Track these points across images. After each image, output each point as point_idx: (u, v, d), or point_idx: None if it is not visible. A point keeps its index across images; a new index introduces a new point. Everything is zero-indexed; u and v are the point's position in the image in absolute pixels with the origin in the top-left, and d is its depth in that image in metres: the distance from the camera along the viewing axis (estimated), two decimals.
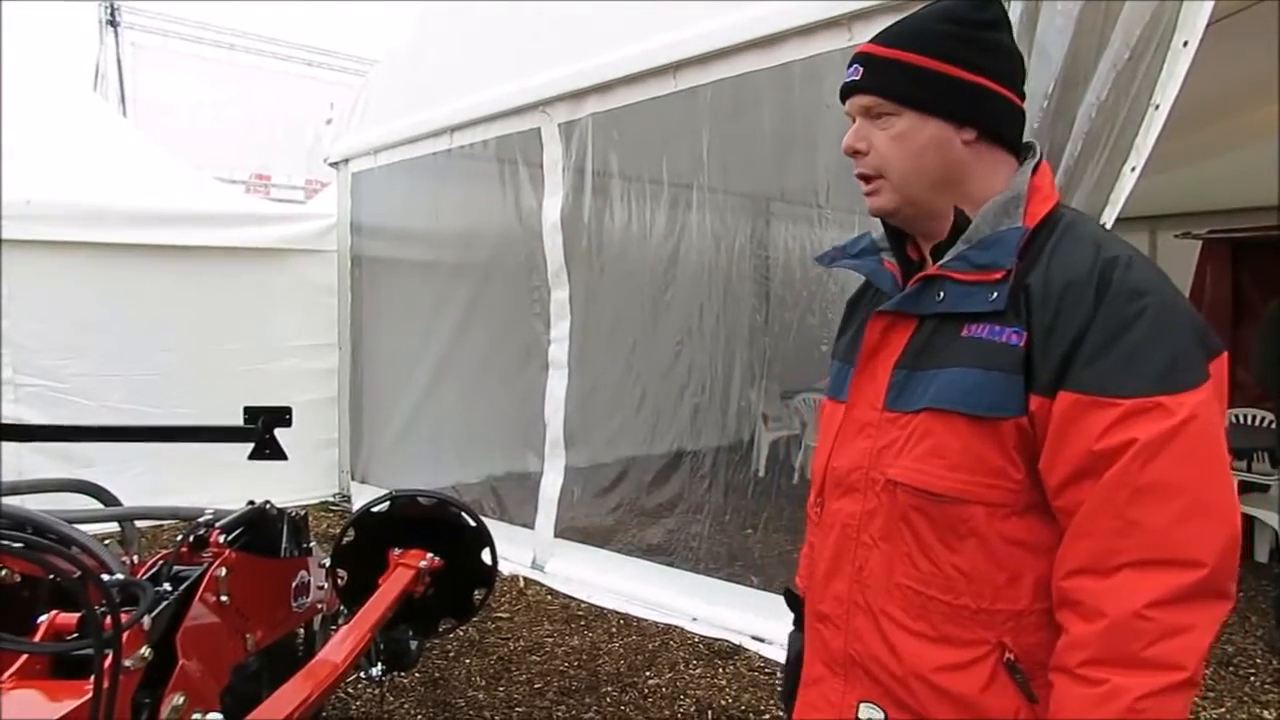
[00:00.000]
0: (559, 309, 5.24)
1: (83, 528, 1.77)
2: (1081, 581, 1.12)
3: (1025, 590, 1.20)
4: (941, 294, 1.26)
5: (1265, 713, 3.51)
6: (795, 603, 1.65)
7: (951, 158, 1.28)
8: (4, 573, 1.68)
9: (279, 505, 2.33)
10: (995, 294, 1.20)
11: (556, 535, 5.19)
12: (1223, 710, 3.51)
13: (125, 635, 1.36)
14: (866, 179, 1.32)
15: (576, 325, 5.25)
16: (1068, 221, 1.26)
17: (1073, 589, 1.13)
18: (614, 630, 4.30)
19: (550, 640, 4.19)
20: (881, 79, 1.29)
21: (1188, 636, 1.07)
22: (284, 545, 2.32)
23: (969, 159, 1.28)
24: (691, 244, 5.58)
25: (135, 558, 2.26)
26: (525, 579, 4.99)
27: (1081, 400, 1.13)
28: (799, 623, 1.63)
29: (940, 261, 1.27)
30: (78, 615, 1.46)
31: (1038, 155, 1.32)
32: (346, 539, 2.53)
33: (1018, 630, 1.20)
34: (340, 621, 2.59)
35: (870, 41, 1.34)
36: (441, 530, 2.54)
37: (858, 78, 1.31)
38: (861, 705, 1.32)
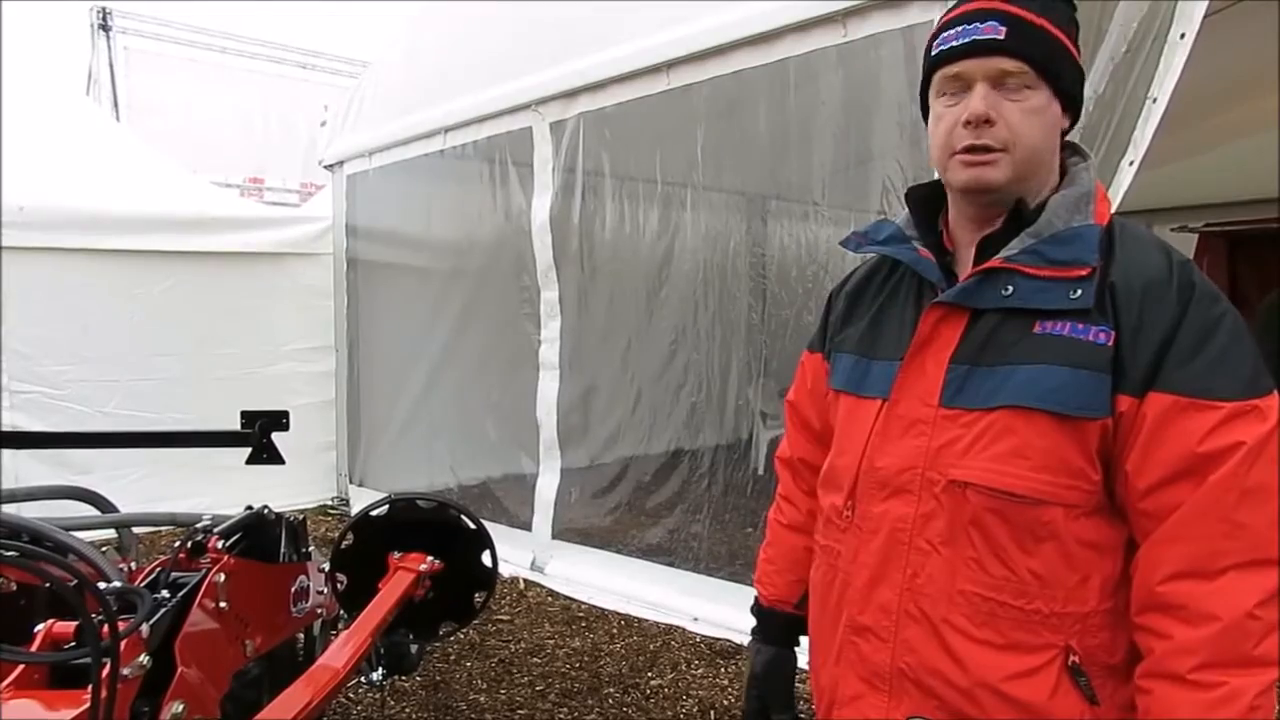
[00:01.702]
0: (549, 309, 5.22)
1: (80, 535, 1.76)
2: (1184, 585, 1.10)
3: (1093, 591, 1.18)
4: (1010, 288, 1.21)
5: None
6: (762, 613, 1.61)
7: (1053, 144, 1.25)
8: (1, 581, 1.67)
9: (277, 510, 2.32)
10: (1079, 291, 1.17)
11: (556, 537, 5.18)
12: None
13: (123, 643, 1.35)
14: (985, 150, 1.21)
15: (570, 325, 5.23)
16: (1121, 222, 1.25)
17: (1173, 593, 1.11)
18: (615, 631, 4.29)
19: (551, 642, 4.18)
20: (1031, 45, 1.19)
21: None
22: (282, 550, 2.30)
23: (1055, 148, 1.26)
24: (687, 243, 5.58)
25: (133, 564, 2.25)
26: (525, 581, 4.98)
27: (1180, 402, 1.11)
28: (765, 634, 1.59)
29: (1005, 254, 1.22)
30: (75, 624, 1.45)
31: (1087, 155, 1.31)
32: (345, 543, 2.52)
33: (1084, 632, 1.18)
34: (340, 626, 2.58)
35: None
36: (441, 533, 2.53)
37: (1000, 37, 1.18)
38: None
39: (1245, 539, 1.09)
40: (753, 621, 1.67)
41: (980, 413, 1.20)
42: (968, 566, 1.21)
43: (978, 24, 1.20)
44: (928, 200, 1.38)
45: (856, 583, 1.32)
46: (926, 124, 1.34)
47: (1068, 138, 1.31)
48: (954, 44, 1.22)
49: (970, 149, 1.21)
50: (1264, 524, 1.09)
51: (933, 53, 1.27)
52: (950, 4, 1.31)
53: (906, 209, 1.38)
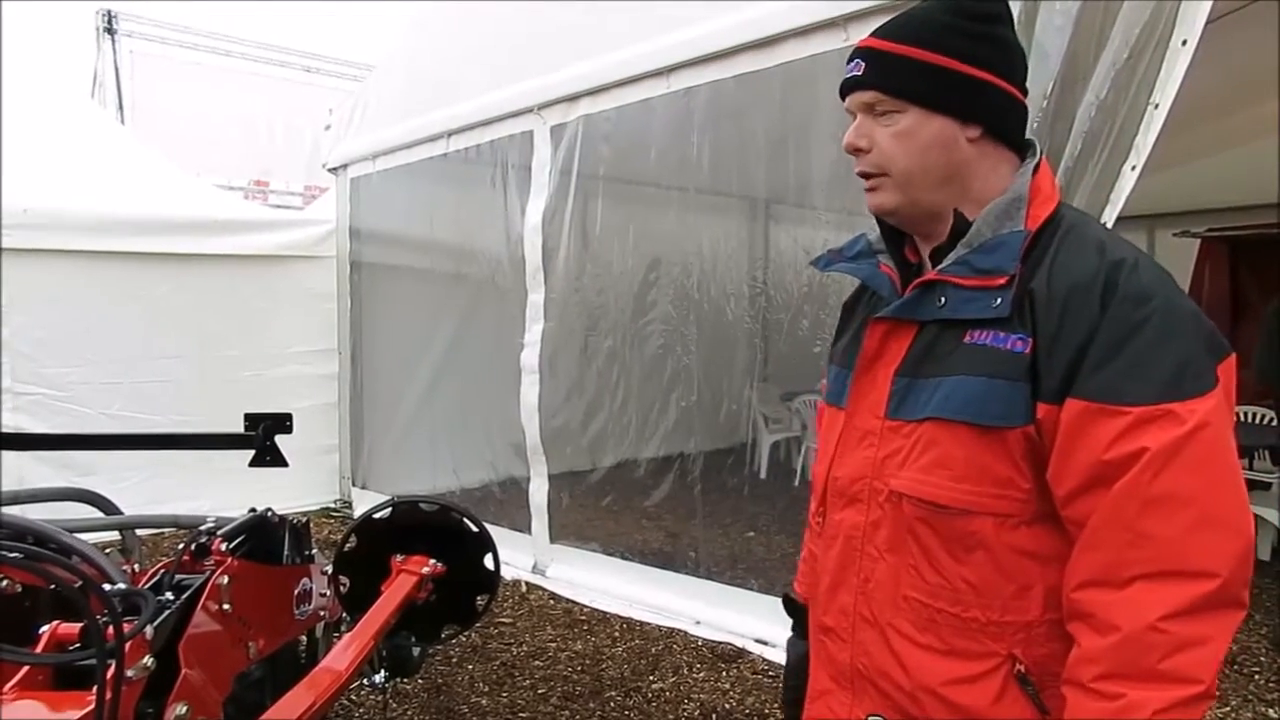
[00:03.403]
0: (533, 312, 5.19)
1: (84, 537, 1.77)
2: (1093, 594, 1.10)
3: (1035, 601, 1.18)
4: (943, 299, 1.23)
5: (1270, 711, 3.50)
6: (794, 608, 1.63)
7: (956, 156, 1.25)
8: (5, 583, 1.68)
9: (280, 512, 2.32)
10: (999, 300, 1.17)
11: (557, 540, 5.18)
12: (1228, 709, 3.50)
13: (128, 645, 1.35)
14: (867, 176, 1.29)
15: (555, 329, 5.21)
16: (1070, 223, 1.23)
17: (1084, 601, 1.11)
18: (617, 635, 4.30)
19: (553, 645, 4.18)
20: (884, 74, 1.26)
21: (1203, 649, 1.05)
22: (286, 552, 2.31)
23: (973, 157, 1.26)
24: (686, 246, 5.58)
25: (137, 566, 2.25)
26: (527, 584, 4.98)
27: (1090, 408, 1.10)
28: (798, 628, 1.62)
29: (940, 266, 1.24)
30: (80, 625, 1.46)
31: (1038, 154, 1.29)
32: (348, 546, 2.53)
33: (1028, 642, 1.18)
34: (343, 629, 2.59)
35: (872, 35, 1.30)
36: (443, 536, 2.53)
37: (859, 73, 1.27)
38: (870, 719, 1.30)
39: (1151, 549, 1.06)
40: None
41: (914, 424, 1.23)
42: (909, 573, 1.24)
43: (850, 64, 1.30)
44: None
45: (823, 586, 1.38)
46: None
47: (1026, 138, 1.32)
48: (841, 86, 1.32)
49: (859, 175, 1.30)
50: (1175, 534, 1.06)
51: None
52: None
53: (877, 225, 1.40)
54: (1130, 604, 1.06)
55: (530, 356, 5.19)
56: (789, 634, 1.66)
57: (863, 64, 1.28)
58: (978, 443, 1.17)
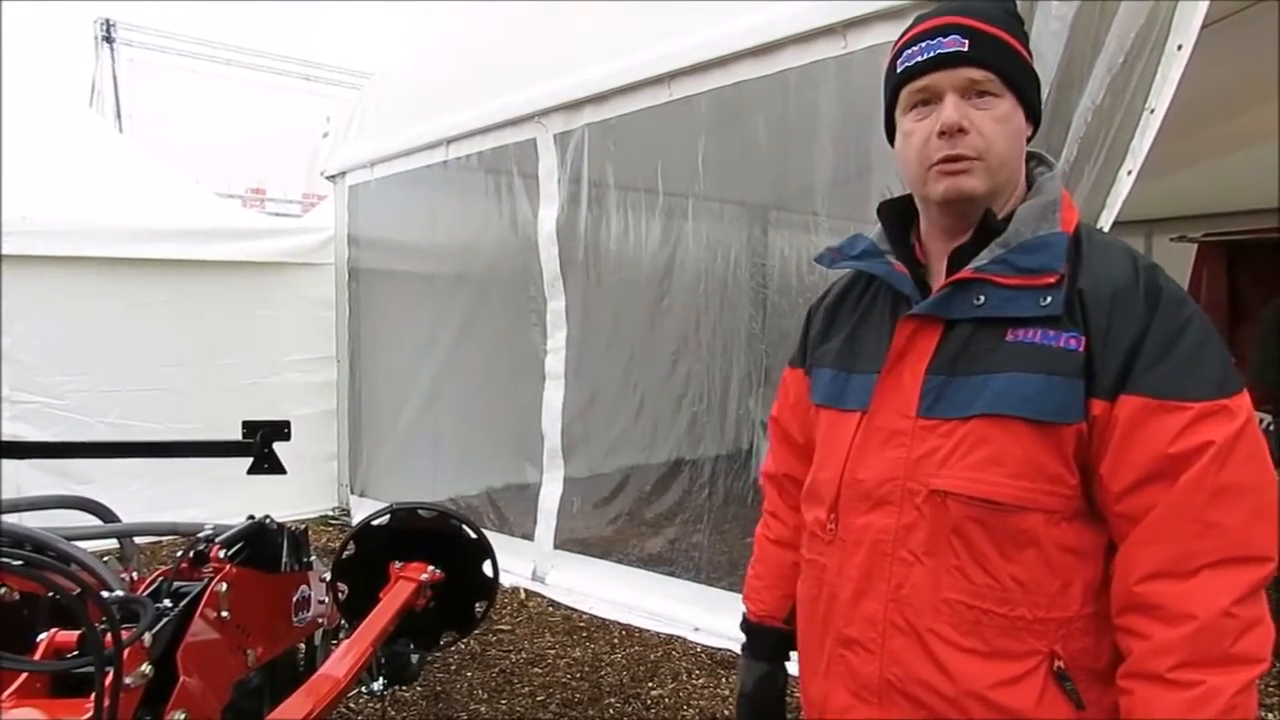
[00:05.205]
0: (555, 319, 5.23)
1: (82, 544, 1.77)
2: (1160, 585, 1.11)
3: (1075, 596, 1.19)
4: (982, 298, 1.22)
5: (1269, 715, 3.49)
6: (751, 629, 1.61)
7: (1020, 151, 1.28)
8: (3, 590, 1.68)
9: (279, 519, 2.32)
10: (1049, 298, 1.19)
11: (557, 546, 5.17)
12: None
13: (126, 652, 1.35)
14: (958, 159, 1.22)
15: (574, 335, 5.24)
16: (1087, 229, 1.27)
17: (1150, 594, 1.12)
18: (616, 641, 4.29)
19: (552, 652, 4.17)
20: (994, 54, 1.23)
21: (1263, 628, 1.10)
22: (284, 560, 2.31)
23: (1021, 156, 1.29)
24: (689, 253, 5.58)
25: (135, 574, 2.25)
26: (526, 591, 4.97)
27: (1149, 404, 1.13)
28: (755, 650, 1.60)
29: (976, 264, 1.23)
30: (78, 633, 1.46)
31: (1055, 164, 1.34)
32: (347, 553, 2.52)
33: (1067, 637, 1.19)
34: (341, 636, 2.58)
35: (956, 14, 1.25)
36: (442, 543, 2.53)
37: (964, 49, 1.21)
38: None
39: (1218, 538, 1.10)
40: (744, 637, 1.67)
41: (957, 422, 1.22)
42: (951, 575, 1.22)
43: (940, 38, 1.23)
44: (901, 214, 1.40)
45: (842, 596, 1.32)
46: (892, 144, 1.37)
47: (1031, 146, 1.34)
48: (919, 59, 1.25)
49: (946, 159, 1.23)
50: (1237, 522, 1.10)
51: (898, 69, 1.30)
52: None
53: (879, 223, 1.40)
54: (1201, 592, 1.09)
55: (555, 363, 5.23)
56: (741, 656, 1.62)
57: (966, 40, 1.22)
58: (1033, 438, 1.18)
